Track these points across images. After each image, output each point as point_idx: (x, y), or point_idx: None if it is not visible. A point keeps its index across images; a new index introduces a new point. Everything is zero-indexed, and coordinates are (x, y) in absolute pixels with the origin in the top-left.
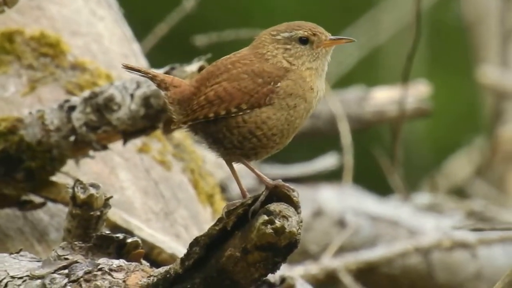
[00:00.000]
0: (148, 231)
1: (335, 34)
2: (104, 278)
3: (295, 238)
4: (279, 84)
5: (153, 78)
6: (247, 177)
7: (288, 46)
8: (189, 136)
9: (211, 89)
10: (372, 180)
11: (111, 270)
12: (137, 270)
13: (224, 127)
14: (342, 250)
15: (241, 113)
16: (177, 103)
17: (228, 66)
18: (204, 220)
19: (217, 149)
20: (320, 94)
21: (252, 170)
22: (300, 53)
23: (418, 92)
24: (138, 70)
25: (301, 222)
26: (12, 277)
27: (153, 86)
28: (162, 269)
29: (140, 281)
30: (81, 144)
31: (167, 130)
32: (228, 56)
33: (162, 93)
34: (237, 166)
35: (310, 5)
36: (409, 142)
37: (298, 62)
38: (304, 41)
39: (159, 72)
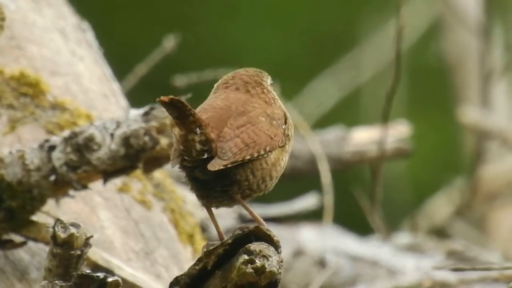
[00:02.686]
0: (128, 270)
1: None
2: None
3: (275, 278)
4: (284, 126)
5: (190, 115)
6: (227, 217)
7: (275, 91)
8: (181, 181)
9: (240, 131)
10: (352, 220)
11: None
12: None
13: (249, 170)
14: None
15: (265, 156)
16: (206, 143)
17: (240, 108)
18: (184, 259)
19: (222, 195)
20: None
21: (248, 209)
22: None
23: (398, 132)
24: (181, 106)
25: (282, 261)
26: None
27: (133, 126)
28: None
29: None
30: (61, 183)
31: (147, 170)
32: (214, 97)
33: (198, 131)
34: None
35: (292, 43)
36: (389, 182)
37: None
38: None
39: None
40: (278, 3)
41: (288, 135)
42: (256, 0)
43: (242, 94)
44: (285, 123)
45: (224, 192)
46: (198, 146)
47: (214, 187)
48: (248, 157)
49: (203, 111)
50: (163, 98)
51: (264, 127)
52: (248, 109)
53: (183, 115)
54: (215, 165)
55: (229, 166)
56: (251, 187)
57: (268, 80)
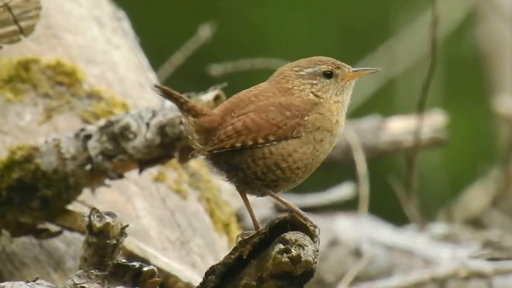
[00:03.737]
0: (164, 259)
1: (351, 65)
2: None
3: (311, 267)
4: (306, 118)
5: (183, 103)
6: (262, 207)
7: (314, 81)
8: (206, 166)
9: (238, 119)
10: (388, 209)
11: None
12: None
13: (249, 158)
14: (357, 279)
15: (268, 144)
16: (203, 132)
17: (252, 99)
18: (220, 249)
19: (238, 180)
20: (342, 129)
21: (277, 198)
22: (327, 87)
23: (434, 122)
24: (170, 94)
25: (317, 251)
26: None
27: (169, 115)
28: None
29: None
30: (97, 172)
31: (183, 159)
32: (249, 89)
33: (190, 119)
34: (252, 197)
35: (326, 34)
36: (425, 172)
37: (326, 95)
38: (328, 75)
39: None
40: None
41: (308, 128)
42: None
43: (267, 84)
44: (308, 115)
45: (246, 181)
46: (194, 134)
47: (230, 176)
48: (239, 144)
49: (225, 102)
50: (156, 85)
51: (270, 116)
52: (260, 98)
53: (178, 104)
54: (200, 151)
55: (215, 152)
56: (258, 176)
57: (311, 69)
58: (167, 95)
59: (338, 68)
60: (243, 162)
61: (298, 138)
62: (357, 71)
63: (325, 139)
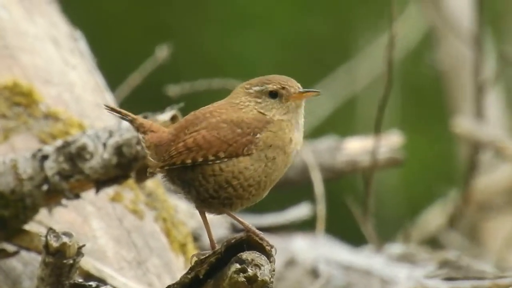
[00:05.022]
0: (121, 279)
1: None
2: None
3: (267, 287)
4: (258, 135)
5: (132, 121)
6: (219, 227)
7: (259, 100)
8: (164, 185)
9: (190, 136)
10: (345, 229)
11: None
12: None
13: (200, 175)
14: None
15: (218, 162)
16: (154, 148)
17: (207, 115)
18: (176, 269)
19: (192, 198)
20: (298, 147)
21: (233, 217)
22: (270, 106)
23: (391, 142)
24: (119, 112)
25: (274, 270)
26: None
27: (126, 135)
28: None
29: None
30: (53, 192)
31: (140, 179)
32: (207, 106)
33: (140, 136)
34: (210, 216)
35: (284, 56)
36: (382, 192)
37: (269, 114)
38: (273, 95)
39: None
40: (270, 14)
41: (260, 145)
42: (248, 10)
43: (223, 101)
44: (260, 133)
45: (200, 199)
46: (146, 150)
47: (185, 193)
48: (189, 161)
49: (181, 120)
50: (106, 105)
51: (221, 133)
52: (214, 115)
53: (129, 122)
54: (152, 168)
55: (166, 168)
56: (210, 194)
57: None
58: (116, 113)
59: (283, 88)
60: (195, 179)
61: (249, 156)
62: (302, 92)
63: (278, 157)
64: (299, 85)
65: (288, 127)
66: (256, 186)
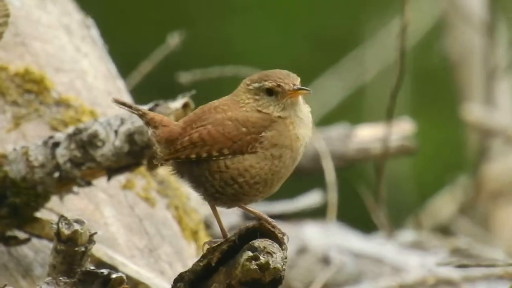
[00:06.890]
0: (132, 267)
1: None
2: None
3: (279, 274)
4: (263, 134)
5: (142, 116)
6: (231, 214)
7: (257, 97)
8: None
9: (195, 131)
10: (356, 217)
11: None
12: None
13: (206, 171)
14: (326, 287)
15: (222, 158)
16: (164, 142)
17: (212, 111)
18: (188, 256)
19: (201, 193)
20: (306, 140)
21: (244, 208)
22: (267, 104)
23: (402, 130)
24: (130, 107)
25: (286, 258)
26: None
27: (138, 123)
28: None
29: None
30: (65, 180)
31: (151, 167)
32: (213, 101)
33: (150, 130)
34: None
35: (296, 43)
36: (394, 180)
37: (267, 111)
38: (270, 92)
39: (147, 109)
40: (282, 4)
41: (265, 144)
42: (260, 0)
43: (229, 97)
44: (265, 132)
45: (208, 195)
46: (156, 144)
47: (194, 188)
48: (193, 156)
49: (190, 114)
50: (115, 99)
51: (226, 130)
52: (218, 111)
53: (139, 116)
54: (158, 160)
55: (172, 161)
56: (217, 190)
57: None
58: (126, 107)
59: (278, 86)
60: (202, 175)
61: (254, 154)
62: (296, 89)
63: (284, 155)
64: (296, 81)
65: (293, 124)
66: (263, 183)
